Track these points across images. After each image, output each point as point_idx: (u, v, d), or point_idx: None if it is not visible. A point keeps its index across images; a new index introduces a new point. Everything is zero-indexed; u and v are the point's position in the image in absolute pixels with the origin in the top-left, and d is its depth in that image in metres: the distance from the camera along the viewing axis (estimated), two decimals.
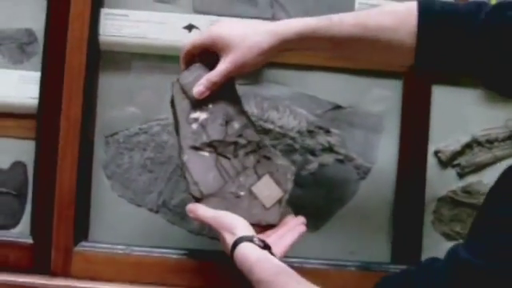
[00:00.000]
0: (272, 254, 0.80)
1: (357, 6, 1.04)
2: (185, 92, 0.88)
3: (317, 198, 1.05)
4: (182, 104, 0.88)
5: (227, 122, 0.88)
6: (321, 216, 1.06)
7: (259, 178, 0.87)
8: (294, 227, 0.87)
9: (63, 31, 1.02)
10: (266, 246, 0.80)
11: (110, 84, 1.06)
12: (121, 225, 1.05)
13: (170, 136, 1.04)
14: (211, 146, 0.87)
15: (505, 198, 0.60)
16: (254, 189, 0.86)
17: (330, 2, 1.04)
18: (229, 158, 0.87)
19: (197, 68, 0.89)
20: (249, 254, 0.78)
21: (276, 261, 0.78)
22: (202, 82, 0.86)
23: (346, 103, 1.06)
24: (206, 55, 0.89)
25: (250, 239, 0.80)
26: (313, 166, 1.05)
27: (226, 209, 0.86)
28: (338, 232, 1.06)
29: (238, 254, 0.79)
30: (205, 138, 0.87)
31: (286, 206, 0.90)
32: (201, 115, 0.87)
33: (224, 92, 0.88)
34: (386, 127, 1.06)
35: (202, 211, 0.85)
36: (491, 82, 0.86)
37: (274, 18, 1.03)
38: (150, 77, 1.06)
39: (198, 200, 0.86)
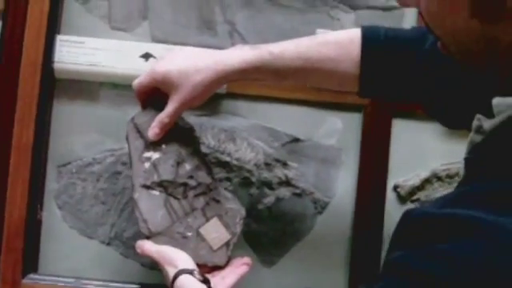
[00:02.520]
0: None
1: None
2: (139, 131, 0.88)
3: (273, 232, 1.03)
4: (136, 143, 0.89)
5: (179, 163, 0.88)
6: (277, 251, 1.04)
7: (207, 219, 0.87)
8: (237, 267, 0.86)
9: (17, 57, 0.99)
10: (205, 281, 0.80)
11: (64, 112, 1.03)
12: (72, 257, 1.02)
13: (124, 167, 1.02)
14: (161, 185, 0.87)
15: (393, 245, 0.58)
16: (202, 230, 0.87)
17: (290, 34, 1.02)
18: (178, 199, 0.87)
19: (151, 107, 0.89)
20: (187, 285, 0.79)
21: None
22: (154, 124, 0.87)
23: (305, 136, 1.04)
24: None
25: (189, 272, 0.81)
26: (269, 199, 1.03)
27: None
28: (294, 267, 1.04)
29: (176, 286, 0.79)
30: (156, 178, 0.87)
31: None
32: (153, 155, 0.88)
33: (178, 132, 0.89)
34: (345, 161, 1.05)
35: (148, 246, 0.86)
36: (434, 112, 0.86)
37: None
38: (105, 106, 1.03)
39: (147, 237, 0.87)
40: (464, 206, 0.49)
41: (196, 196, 0.88)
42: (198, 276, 0.80)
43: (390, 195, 1.04)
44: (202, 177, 0.89)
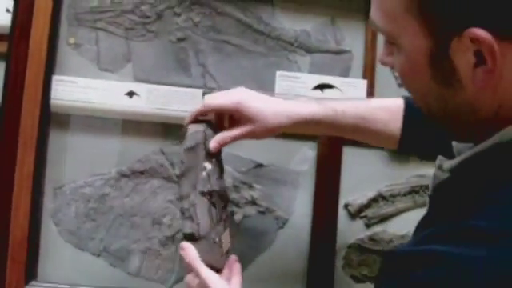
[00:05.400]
0: None
1: (277, 77, 1.19)
2: (206, 141, 0.95)
3: (241, 245, 1.19)
4: (202, 153, 0.95)
5: (221, 177, 0.98)
6: (245, 261, 1.19)
7: (225, 229, 0.97)
8: (232, 265, 0.95)
9: (19, 95, 1.15)
10: None
11: (58, 142, 1.19)
12: (67, 267, 1.18)
13: (111, 189, 1.18)
14: (210, 194, 0.94)
15: (378, 279, 0.68)
16: (222, 238, 0.96)
17: (254, 74, 1.19)
18: (216, 208, 0.95)
19: (209, 124, 0.96)
20: None
21: None
22: (218, 138, 0.94)
23: (267, 162, 1.21)
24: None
25: None
26: (238, 216, 1.19)
27: (207, 252, 0.93)
28: (260, 275, 1.20)
29: None
30: (209, 187, 0.94)
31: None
32: (208, 165, 0.95)
33: (219, 153, 0.98)
34: (302, 183, 1.22)
35: (194, 256, 0.90)
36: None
37: (205, 87, 1.18)
38: (95, 137, 1.19)
39: (189, 239, 0.92)
40: (433, 243, 0.60)
41: (224, 208, 0.98)
42: None
43: (342, 212, 1.22)
44: (227, 192, 1.00)
